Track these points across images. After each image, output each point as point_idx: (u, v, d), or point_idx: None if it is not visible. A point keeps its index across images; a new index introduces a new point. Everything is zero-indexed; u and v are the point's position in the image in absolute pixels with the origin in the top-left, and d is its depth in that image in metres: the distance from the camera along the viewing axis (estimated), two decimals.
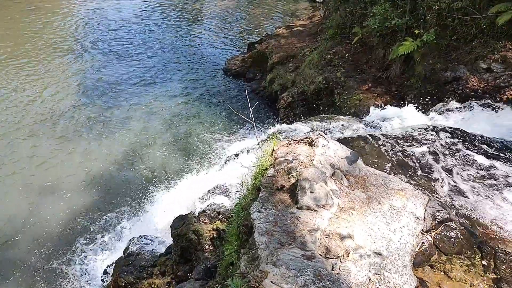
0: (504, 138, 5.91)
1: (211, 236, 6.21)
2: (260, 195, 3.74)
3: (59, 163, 10.44)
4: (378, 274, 3.09)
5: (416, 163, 5.03)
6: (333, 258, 3.14)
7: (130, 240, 7.79)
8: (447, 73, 8.59)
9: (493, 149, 5.53)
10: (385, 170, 4.64)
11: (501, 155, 5.38)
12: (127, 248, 7.55)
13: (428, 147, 5.41)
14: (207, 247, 6.08)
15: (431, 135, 5.81)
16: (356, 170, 4.14)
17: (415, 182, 4.63)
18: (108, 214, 9.11)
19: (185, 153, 11.07)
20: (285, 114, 11.67)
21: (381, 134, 5.81)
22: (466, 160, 5.17)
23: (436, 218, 3.79)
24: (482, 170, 4.99)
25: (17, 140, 11.07)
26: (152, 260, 6.98)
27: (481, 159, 5.18)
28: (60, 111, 12.46)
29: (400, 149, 5.34)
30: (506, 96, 7.65)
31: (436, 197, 4.33)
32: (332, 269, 3.01)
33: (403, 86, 9.33)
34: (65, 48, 16.50)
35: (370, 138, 5.64)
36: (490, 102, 7.68)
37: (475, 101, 7.80)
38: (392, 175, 4.35)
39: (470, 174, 4.88)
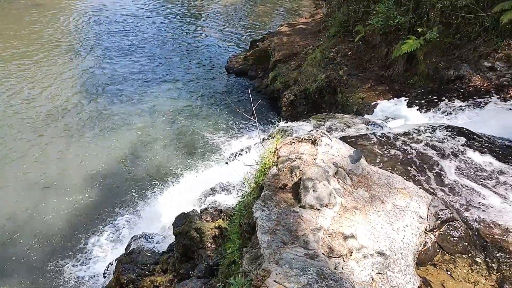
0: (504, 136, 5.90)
1: (213, 234, 6.21)
2: (262, 193, 3.73)
3: (61, 160, 10.47)
4: (381, 274, 3.09)
5: (418, 162, 5.02)
6: (336, 257, 3.13)
7: (132, 237, 7.80)
8: (450, 72, 8.55)
9: (496, 148, 5.50)
10: (388, 169, 4.63)
11: (503, 153, 5.36)
12: (129, 246, 7.56)
13: (429, 146, 5.39)
14: (209, 245, 6.08)
15: (433, 134, 5.79)
16: (359, 169, 4.12)
17: (418, 181, 4.62)
18: (110, 211, 9.12)
19: (187, 151, 11.07)
20: (288, 112, 11.65)
21: (384, 133, 5.80)
22: (468, 159, 5.14)
23: (439, 218, 3.78)
24: (483, 169, 4.96)
25: (19, 137, 11.09)
26: (154, 257, 6.98)
27: (484, 158, 5.16)
28: (62, 108, 12.48)
29: (402, 147, 5.32)
30: (509, 95, 7.62)
31: (439, 196, 4.32)
32: (335, 268, 3.00)
33: (405, 85, 9.30)
34: (67, 44, 16.52)
35: (372, 136, 5.63)
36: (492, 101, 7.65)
37: (479, 100, 7.77)
38: (395, 174, 4.33)
39: (473, 173, 4.86)
